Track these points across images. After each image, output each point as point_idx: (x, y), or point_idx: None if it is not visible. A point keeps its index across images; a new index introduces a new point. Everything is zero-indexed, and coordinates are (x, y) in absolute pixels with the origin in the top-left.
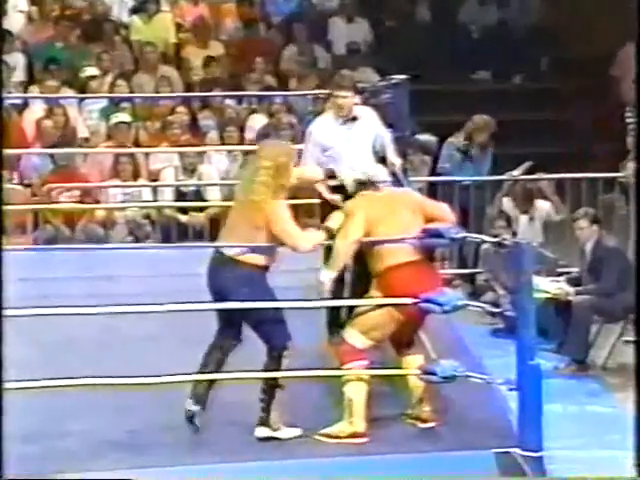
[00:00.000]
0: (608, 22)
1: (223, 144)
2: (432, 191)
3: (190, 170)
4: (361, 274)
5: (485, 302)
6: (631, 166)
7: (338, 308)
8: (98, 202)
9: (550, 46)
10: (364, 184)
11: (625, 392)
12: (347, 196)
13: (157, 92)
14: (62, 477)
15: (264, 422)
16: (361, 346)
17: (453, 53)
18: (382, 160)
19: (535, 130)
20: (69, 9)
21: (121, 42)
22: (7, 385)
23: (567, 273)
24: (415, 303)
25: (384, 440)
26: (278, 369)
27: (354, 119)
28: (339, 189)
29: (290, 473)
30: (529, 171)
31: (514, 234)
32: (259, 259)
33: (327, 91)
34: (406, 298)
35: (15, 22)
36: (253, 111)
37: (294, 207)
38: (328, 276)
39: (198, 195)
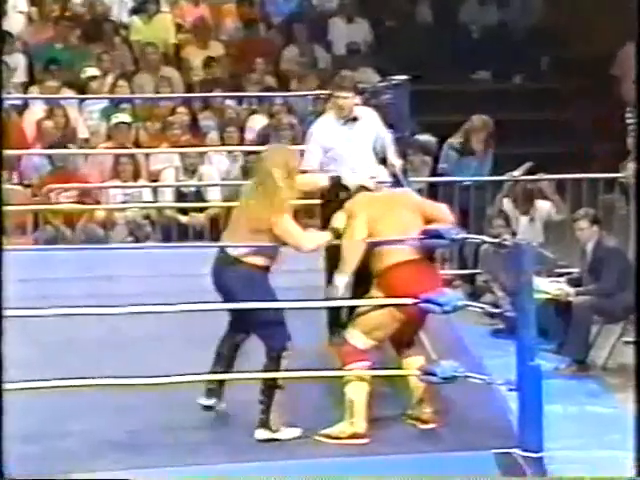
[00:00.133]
0: (608, 22)
1: (223, 145)
2: (432, 191)
3: (190, 171)
4: (361, 274)
5: (485, 303)
6: (631, 166)
7: (338, 308)
8: (98, 203)
9: (550, 46)
10: (365, 186)
11: (625, 392)
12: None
13: (157, 93)
14: (62, 477)
15: (264, 424)
16: (363, 347)
17: (453, 53)
18: (382, 161)
19: (535, 130)
20: (69, 10)
21: (121, 42)
22: (7, 385)
23: (567, 273)
24: (415, 303)
25: (384, 440)
26: (277, 370)
27: (355, 119)
28: (341, 189)
29: (290, 473)
30: (530, 171)
31: (513, 234)
32: (260, 260)
33: (328, 92)
34: (407, 297)
35: (15, 23)
36: (253, 112)
37: (294, 207)
38: (343, 280)
39: (198, 196)
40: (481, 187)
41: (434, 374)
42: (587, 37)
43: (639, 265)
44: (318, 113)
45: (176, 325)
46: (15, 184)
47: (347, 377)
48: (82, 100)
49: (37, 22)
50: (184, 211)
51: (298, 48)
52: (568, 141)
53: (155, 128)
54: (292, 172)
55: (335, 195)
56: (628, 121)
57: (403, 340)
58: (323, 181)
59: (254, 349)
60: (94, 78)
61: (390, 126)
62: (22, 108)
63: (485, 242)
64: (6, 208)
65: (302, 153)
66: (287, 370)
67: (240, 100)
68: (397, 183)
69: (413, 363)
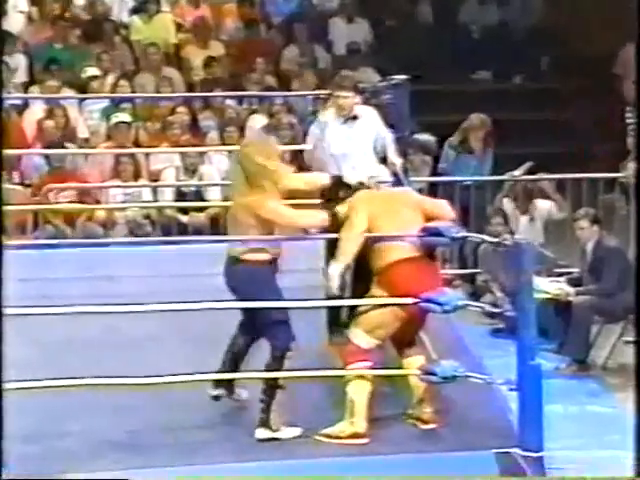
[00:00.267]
0: (608, 22)
1: (223, 144)
2: (433, 191)
3: (191, 170)
4: (361, 274)
5: (485, 303)
6: (631, 166)
7: (338, 308)
8: (98, 202)
9: (550, 46)
10: (366, 184)
11: (625, 392)
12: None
13: (158, 92)
14: (62, 477)
15: (264, 423)
16: (366, 346)
17: (453, 53)
18: (383, 160)
19: (535, 130)
20: (69, 10)
21: (121, 42)
22: (7, 385)
23: (567, 273)
24: (415, 303)
25: (385, 440)
26: (280, 369)
27: (355, 118)
28: (342, 187)
29: (290, 473)
30: (530, 171)
31: (511, 232)
32: (261, 255)
33: (328, 91)
34: (407, 294)
35: (15, 23)
36: (253, 111)
37: (294, 207)
38: (337, 269)
39: (198, 195)
40: (481, 187)
41: (434, 374)
42: (587, 37)
43: (639, 265)
44: (318, 112)
45: (176, 325)
46: (15, 184)
47: (349, 376)
48: (82, 100)
49: (37, 22)
50: (184, 211)
51: (298, 48)
52: (568, 141)
53: (155, 128)
54: (271, 157)
55: (336, 194)
56: (628, 121)
57: (404, 339)
58: (324, 180)
59: (256, 348)
60: (95, 78)
61: (390, 126)
62: (22, 108)
63: (485, 241)
64: (6, 208)
65: (301, 153)
66: (288, 370)
67: (240, 100)
68: (398, 182)
69: (414, 363)
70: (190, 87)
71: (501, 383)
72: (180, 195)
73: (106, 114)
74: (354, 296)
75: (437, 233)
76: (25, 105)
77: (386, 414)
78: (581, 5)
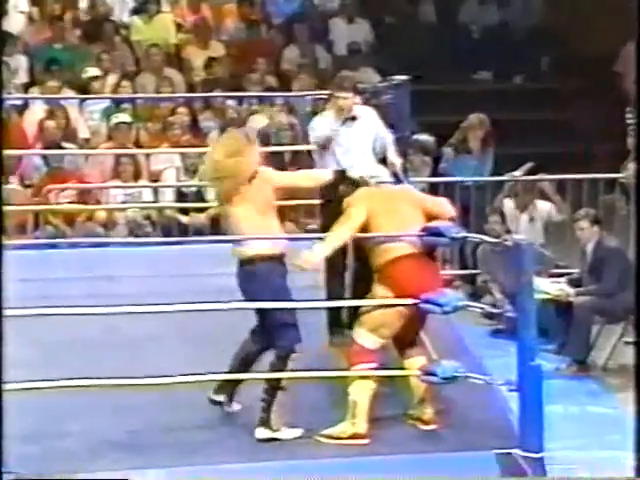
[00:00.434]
0: (608, 22)
1: None
2: (433, 191)
3: (191, 171)
4: (361, 274)
5: (485, 304)
6: (632, 167)
7: (339, 308)
8: (99, 202)
9: (550, 46)
10: (366, 182)
11: (626, 393)
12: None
13: (159, 93)
14: (62, 477)
15: (264, 422)
16: (372, 346)
17: (454, 53)
18: (382, 161)
19: (535, 130)
20: (70, 10)
21: (121, 43)
22: (7, 385)
23: (568, 274)
24: (416, 304)
25: (385, 441)
26: (283, 370)
27: (354, 118)
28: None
29: (291, 473)
30: (530, 172)
31: (508, 231)
32: (257, 250)
33: (328, 92)
34: (408, 290)
35: (16, 23)
36: (254, 112)
37: (294, 207)
38: (320, 249)
39: (199, 196)
40: (481, 187)
41: (435, 374)
42: (587, 37)
43: (639, 265)
44: (318, 113)
45: (176, 325)
46: (15, 184)
47: (352, 377)
48: (83, 100)
49: (38, 22)
50: (185, 211)
51: (299, 48)
52: (568, 141)
53: (156, 128)
54: (236, 153)
55: (334, 195)
56: (628, 121)
57: (406, 339)
58: (327, 175)
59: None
60: (96, 78)
61: (390, 126)
62: (23, 108)
63: (485, 242)
64: (6, 208)
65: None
66: (291, 371)
67: (241, 100)
68: (398, 183)
69: (415, 364)
70: (191, 87)
71: (501, 384)
72: (180, 196)
73: (107, 114)
74: (355, 296)
75: (437, 233)
76: (25, 105)
77: (387, 415)
78: (581, 5)
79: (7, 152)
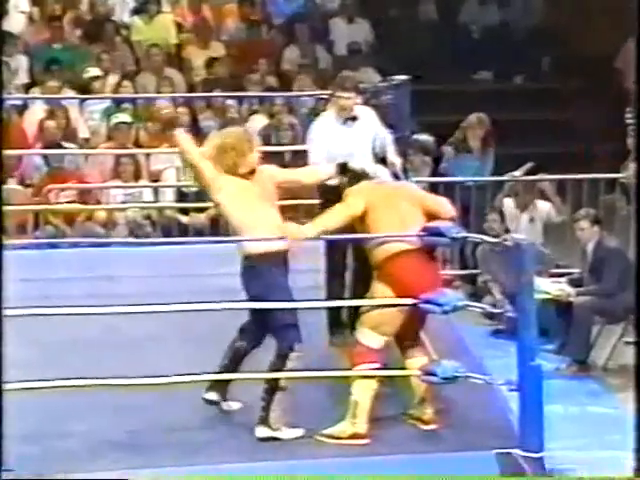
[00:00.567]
0: (608, 22)
1: None
2: (433, 191)
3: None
4: (361, 273)
5: (485, 304)
6: (632, 167)
7: (339, 308)
8: (99, 202)
9: (551, 46)
10: (367, 176)
11: (626, 393)
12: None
13: (159, 93)
14: (62, 477)
15: (264, 420)
16: (376, 346)
17: (454, 53)
18: (382, 161)
19: (536, 130)
20: (70, 10)
21: (122, 42)
22: (7, 385)
23: (568, 274)
24: (415, 304)
25: (385, 441)
26: (282, 369)
27: (354, 118)
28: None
29: (291, 473)
30: (530, 172)
31: (507, 230)
32: (251, 249)
33: (329, 92)
34: (408, 286)
35: (16, 23)
36: (254, 112)
37: (294, 207)
38: (308, 229)
39: (199, 196)
40: (482, 187)
41: (435, 374)
42: (587, 37)
43: (639, 265)
44: (318, 113)
45: (176, 325)
46: (15, 184)
47: (354, 377)
48: (83, 100)
49: (38, 22)
50: (185, 211)
51: (299, 48)
52: (569, 141)
53: (156, 128)
54: (238, 134)
55: (335, 194)
56: (628, 121)
57: (407, 336)
58: (329, 170)
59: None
60: (96, 78)
61: (390, 126)
62: (23, 108)
63: (486, 242)
64: (6, 208)
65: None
66: (290, 370)
67: (241, 100)
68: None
69: (416, 364)
70: (191, 87)
71: (502, 384)
72: (181, 196)
73: (107, 114)
74: (355, 296)
75: (437, 233)
76: (25, 105)
77: (387, 414)
78: (581, 5)
79: (7, 152)
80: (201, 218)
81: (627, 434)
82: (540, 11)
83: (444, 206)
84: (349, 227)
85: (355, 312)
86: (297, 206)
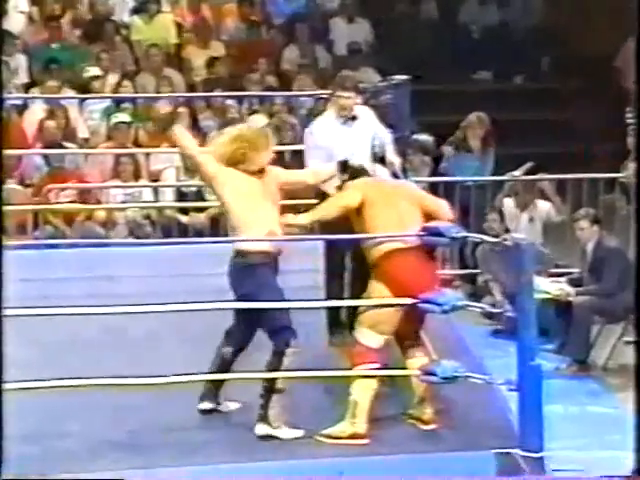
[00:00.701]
0: (608, 22)
1: None
2: (433, 191)
3: (191, 171)
4: (359, 273)
5: (485, 303)
6: (632, 166)
7: (338, 308)
8: (99, 202)
9: (551, 46)
10: (367, 174)
11: (626, 392)
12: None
13: (159, 93)
14: (62, 477)
15: (263, 418)
16: (375, 345)
17: (454, 53)
18: (381, 160)
19: (535, 130)
20: (70, 10)
21: (121, 42)
22: (7, 385)
23: (568, 273)
24: (414, 304)
25: (385, 441)
26: (279, 366)
27: (354, 118)
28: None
29: (291, 473)
30: (530, 171)
31: (506, 230)
32: (246, 247)
33: (329, 91)
34: (405, 283)
35: (16, 23)
36: (254, 112)
37: (294, 207)
38: (303, 218)
39: (199, 195)
40: (482, 187)
41: (435, 374)
42: (587, 37)
43: (639, 265)
44: (318, 113)
45: (176, 325)
46: (15, 184)
47: (354, 377)
48: (83, 100)
49: (38, 22)
50: (184, 211)
51: (299, 48)
52: (568, 141)
53: (156, 128)
54: (227, 138)
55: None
56: (628, 121)
57: (407, 335)
58: (331, 169)
59: (255, 348)
60: (96, 78)
61: (390, 126)
62: (22, 108)
63: (485, 242)
64: (6, 208)
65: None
66: (289, 370)
67: (241, 100)
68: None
69: (416, 364)
70: (191, 87)
71: (501, 383)
72: (180, 195)
73: (107, 114)
74: (353, 296)
75: (437, 233)
76: (25, 105)
77: (386, 414)
78: (581, 5)
79: (7, 152)
80: (201, 218)
81: (627, 434)
82: (540, 11)
83: (443, 207)
84: (348, 227)
85: (354, 312)
86: (296, 206)
